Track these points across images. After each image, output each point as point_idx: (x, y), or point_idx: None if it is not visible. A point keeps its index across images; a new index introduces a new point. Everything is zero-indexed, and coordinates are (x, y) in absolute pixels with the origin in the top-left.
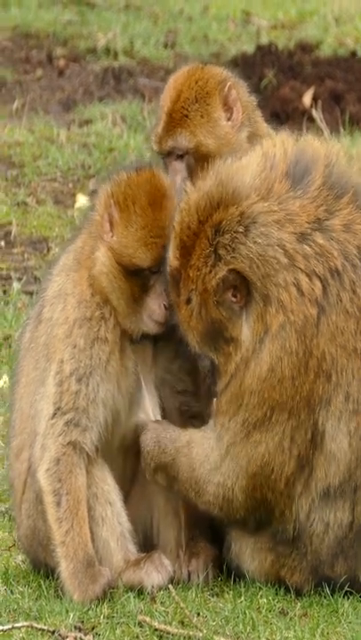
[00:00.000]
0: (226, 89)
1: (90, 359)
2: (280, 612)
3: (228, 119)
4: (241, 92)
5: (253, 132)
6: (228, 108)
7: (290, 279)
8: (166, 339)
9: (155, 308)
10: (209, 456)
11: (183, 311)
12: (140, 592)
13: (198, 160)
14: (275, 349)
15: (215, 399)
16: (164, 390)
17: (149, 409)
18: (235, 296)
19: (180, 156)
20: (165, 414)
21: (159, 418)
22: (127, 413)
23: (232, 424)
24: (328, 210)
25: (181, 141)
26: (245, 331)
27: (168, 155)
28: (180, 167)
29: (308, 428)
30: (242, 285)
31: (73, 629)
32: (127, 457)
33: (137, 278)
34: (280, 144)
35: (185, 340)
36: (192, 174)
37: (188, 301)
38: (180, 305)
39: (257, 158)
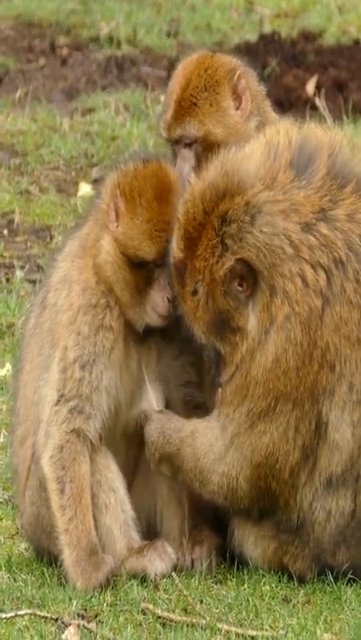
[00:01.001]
0: (235, 78)
1: (94, 346)
2: (283, 599)
3: (237, 108)
4: (250, 81)
5: (262, 122)
6: (237, 96)
7: (295, 270)
8: (171, 333)
9: (158, 300)
10: (213, 446)
11: (189, 302)
12: (144, 580)
13: (206, 149)
14: (280, 340)
15: (219, 389)
16: (167, 382)
17: (153, 399)
18: (241, 285)
19: (189, 144)
20: (169, 404)
21: (163, 408)
22: (130, 402)
23: (237, 414)
24: (332, 200)
25: (190, 130)
26: (252, 320)
27: (176, 142)
28: (188, 155)
29: (313, 419)
30: (249, 275)
31: (76, 617)
32: (130, 445)
33: (141, 270)
34: (283, 132)
35: (190, 330)
36: (200, 162)
37: (195, 292)
38: (186, 296)
39: (260, 147)
